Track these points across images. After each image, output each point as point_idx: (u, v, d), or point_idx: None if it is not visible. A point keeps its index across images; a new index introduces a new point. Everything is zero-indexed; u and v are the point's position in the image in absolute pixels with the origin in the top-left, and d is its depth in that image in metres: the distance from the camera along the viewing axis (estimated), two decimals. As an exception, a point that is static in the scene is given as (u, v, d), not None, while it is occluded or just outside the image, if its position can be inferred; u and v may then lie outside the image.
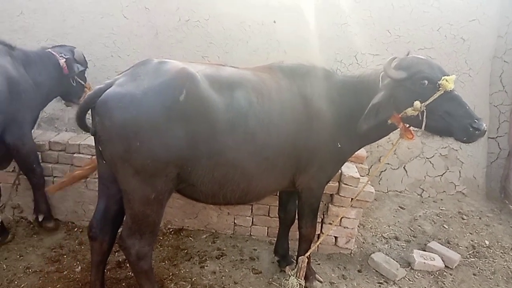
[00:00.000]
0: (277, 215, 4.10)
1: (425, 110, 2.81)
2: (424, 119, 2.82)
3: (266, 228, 4.53)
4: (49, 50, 4.43)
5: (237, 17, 5.76)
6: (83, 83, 4.69)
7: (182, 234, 4.50)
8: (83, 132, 2.99)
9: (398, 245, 4.72)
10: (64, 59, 4.40)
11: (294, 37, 5.74)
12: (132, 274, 3.61)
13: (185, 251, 4.20)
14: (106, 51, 5.88)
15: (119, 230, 3.10)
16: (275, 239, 4.20)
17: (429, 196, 6.11)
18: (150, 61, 2.75)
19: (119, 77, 2.66)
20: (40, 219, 4.24)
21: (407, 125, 3.05)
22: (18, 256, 3.93)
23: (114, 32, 5.84)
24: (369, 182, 3.97)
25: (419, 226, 5.19)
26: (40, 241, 4.20)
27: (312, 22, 5.69)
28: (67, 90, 4.57)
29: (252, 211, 4.48)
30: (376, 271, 4.16)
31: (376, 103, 2.90)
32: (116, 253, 3.93)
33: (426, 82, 2.81)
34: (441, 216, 5.51)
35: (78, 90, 4.66)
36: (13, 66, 3.83)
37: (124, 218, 2.94)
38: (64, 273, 3.72)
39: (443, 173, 6.15)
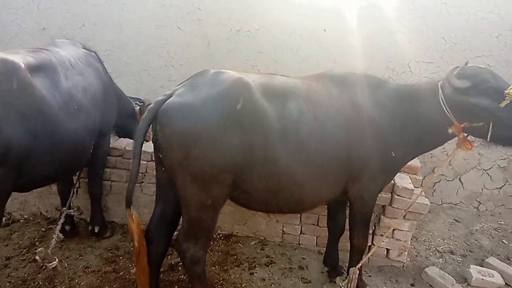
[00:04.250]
0: (326, 225, 4.06)
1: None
2: (490, 129, 2.76)
3: (315, 237, 4.50)
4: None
5: (287, 26, 5.81)
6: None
7: (231, 240, 4.57)
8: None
9: (453, 259, 4.52)
10: (138, 107, 4.90)
11: (344, 45, 5.70)
12: (185, 277, 3.72)
13: (235, 257, 4.25)
14: (160, 61, 6.13)
15: (174, 234, 3.21)
16: (324, 248, 4.16)
17: (486, 210, 5.81)
18: (207, 72, 2.86)
19: (178, 88, 2.78)
20: (96, 230, 4.44)
21: (466, 135, 2.98)
22: (78, 256, 4.15)
23: (168, 43, 6.08)
24: (423, 194, 3.87)
25: (475, 240, 4.95)
26: (98, 242, 4.40)
27: (363, 30, 5.62)
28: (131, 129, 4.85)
29: (301, 220, 4.47)
30: (430, 285, 4.01)
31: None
32: (169, 256, 4.05)
33: (491, 91, 2.75)
34: (499, 230, 5.23)
35: None
36: (105, 72, 4.26)
37: (181, 223, 3.04)
38: (120, 273, 3.88)
39: (502, 186, 5.83)
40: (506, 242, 4.94)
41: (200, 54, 6.04)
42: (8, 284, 3.64)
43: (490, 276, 4.07)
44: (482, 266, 4.30)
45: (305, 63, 5.79)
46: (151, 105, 2.75)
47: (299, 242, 4.56)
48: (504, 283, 4.06)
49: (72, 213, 4.36)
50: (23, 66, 2.99)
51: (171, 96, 2.70)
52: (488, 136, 2.79)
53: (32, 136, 2.93)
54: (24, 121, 2.86)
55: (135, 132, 2.77)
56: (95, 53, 4.25)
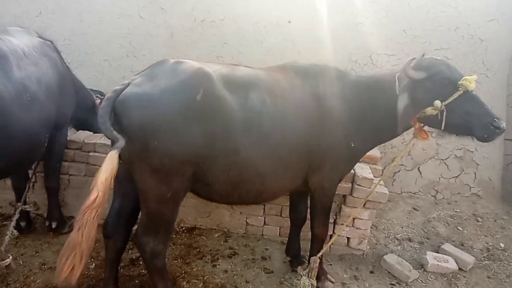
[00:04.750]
0: (288, 215, 4.10)
1: (445, 110, 2.85)
2: (444, 118, 2.86)
3: (278, 228, 4.54)
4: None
5: (252, 17, 5.79)
6: None
7: (194, 232, 4.54)
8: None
9: (411, 246, 4.69)
10: (100, 100, 4.69)
11: (308, 37, 5.74)
12: (146, 272, 3.66)
13: (198, 249, 4.23)
14: (122, 51, 5.96)
15: (133, 229, 3.15)
16: (287, 239, 4.21)
17: (443, 198, 6.06)
18: (166, 61, 2.79)
19: (136, 77, 2.70)
20: (53, 226, 4.30)
21: (422, 125, 3.09)
22: (34, 253, 4.00)
23: (130, 32, 5.92)
24: (382, 183, 3.98)
25: (432, 228, 5.15)
26: (55, 237, 4.26)
27: (327, 22, 5.68)
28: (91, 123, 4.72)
29: (264, 211, 4.50)
30: (389, 272, 4.14)
31: (407, 106, 2.91)
32: (130, 251, 3.98)
33: (446, 82, 2.85)
34: (455, 218, 5.46)
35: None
36: (62, 62, 4.05)
37: (140, 216, 2.99)
38: (79, 270, 3.78)
39: (458, 175, 6.08)
40: (460, 229, 5.16)
41: (163, 44, 5.92)
42: (-42, 284, 3.48)
43: (445, 262, 4.26)
44: (438, 252, 4.48)
45: (270, 55, 5.79)
46: (108, 94, 2.65)
47: (262, 233, 4.59)
48: (457, 268, 4.26)
49: (28, 209, 4.19)
50: None
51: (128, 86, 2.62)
52: (442, 125, 2.89)
53: None
54: None
55: (99, 123, 2.52)
56: (51, 42, 4.04)
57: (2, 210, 4.64)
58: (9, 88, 3.04)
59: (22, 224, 4.19)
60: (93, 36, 5.95)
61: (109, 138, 2.55)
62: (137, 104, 2.52)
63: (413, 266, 4.15)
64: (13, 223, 3.77)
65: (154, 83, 2.59)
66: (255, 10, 5.78)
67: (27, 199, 4.15)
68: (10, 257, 3.49)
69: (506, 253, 4.67)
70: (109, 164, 2.43)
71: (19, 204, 3.98)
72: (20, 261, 3.82)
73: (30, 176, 4.18)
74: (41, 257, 3.93)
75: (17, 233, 3.98)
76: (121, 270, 3.68)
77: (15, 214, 3.88)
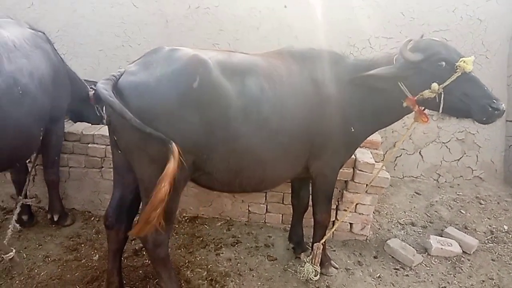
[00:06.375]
0: (290, 202, 4.09)
1: (442, 92, 2.79)
2: (442, 101, 2.80)
3: (280, 215, 4.52)
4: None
5: (247, 2, 5.71)
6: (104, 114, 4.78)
7: (197, 222, 4.53)
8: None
9: (414, 231, 4.67)
10: (93, 91, 4.53)
11: (305, 21, 5.65)
12: (149, 262, 3.65)
13: (201, 238, 4.23)
14: (117, 40, 5.89)
15: (135, 219, 3.13)
16: (290, 226, 4.20)
17: (445, 181, 6.04)
18: (161, 49, 2.73)
19: (131, 66, 2.65)
20: (55, 219, 4.29)
21: (422, 108, 3.04)
22: (37, 245, 4.01)
23: (124, 22, 5.84)
24: (384, 168, 3.94)
25: (435, 211, 5.13)
26: (58, 230, 4.26)
27: (324, 5, 5.59)
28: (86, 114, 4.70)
29: (266, 199, 4.47)
30: (392, 257, 4.13)
31: (381, 74, 2.94)
32: (133, 241, 3.98)
33: (443, 63, 2.79)
34: (458, 201, 5.44)
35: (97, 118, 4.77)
36: (55, 53, 3.98)
37: (141, 206, 2.96)
38: (82, 261, 3.78)
39: (460, 158, 6.05)
40: (463, 212, 5.15)
41: (158, 32, 5.84)
42: (-38, 278, 3.48)
43: (449, 245, 4.25)
44: (441, 236, 4.47)
45: (267, 41, 5.71)
46: (106, 77, 2.52)
47: (265, 221, 4.57)
48: (461, 251, 4.25)
49: (29, 202, 4.18)
50: None
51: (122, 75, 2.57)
52: (440, 108, 2.83)
53: None
54: None
55: (102, 95, 2.37)
56: (43, 33, 3.96)
57: (3, 204, 4.64)
58: None
59: (24, 217, 4.20)
60: (87, 26, 5.87)
61: (118, 113, 2.39)
62: (134, 93, 2.47)
63: (416, 251, 4.14)
64: (14, 217, 3.76)
65: (150, 72, 2.54)
66: (250, -4, 5.69)
67: (28, 193, 4.14)
68: (14, 251, 3.47)
69: (510, 235, 4.65)
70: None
71: (20, 197, 3.96)
72: (24, 254, 3.84)
73: (29, 169, 4.16)
74: (44, 249, 3.94)
75: (20, 227, 3.98)
76: (125, 260, 3.69)
77: (16, 208, 3.87)
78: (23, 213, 4.15)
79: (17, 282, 3.49)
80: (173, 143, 2.40)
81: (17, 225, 3.84)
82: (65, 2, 5.80)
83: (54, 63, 3.83)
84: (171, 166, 2.38)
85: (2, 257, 3.46)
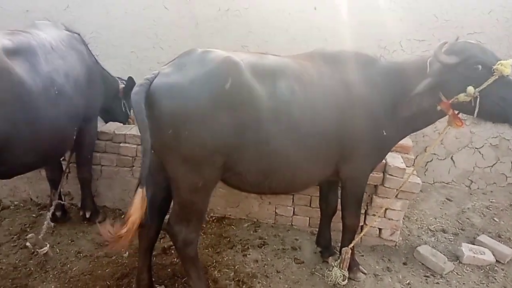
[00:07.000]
0: (318, 206, 4.06)
1: (478, 96, 2.72)
2: (477, 105, 2.72)
3: (308, 218, 4.50)
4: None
5: (276, 5, 5.69)
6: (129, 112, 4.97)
7: (224, 222, 4.56)
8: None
9: (445, 238, 4.55)
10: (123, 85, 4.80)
11: (335, 23, 5.59)
12: (178, 260, 3.71)
13: (228, 239, 4.25)
14: (148, 42, 5.99)
15: (166, 218, 3.18)
16: (317, 229, 4.17)
17: (478, 188, 5.86)
18: (194, 51, 2.77)
19: (165, 68, 2.70)
20: (87, 216, 4.40)
21: (457, 112, 2.96)
22: (69, 241, 4.12)
23: (155, 24, 5.93)
24: (414, 173, 3.86)
25: (467, 218, 4.99)
26: (90, 227, 4.37)
27: (354, 7, 5.52)
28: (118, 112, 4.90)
29: (293, 201, 4.46)
30: (422, 264, 4.04)
31: (421, 91, 2.83)
32: (162, 240, 4.04)
33: (480, 67, 2.72)
34: (491, 208, 5.28)
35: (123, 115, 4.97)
36: (89, 54, 4.13)
37: (172, 206, 3.01)
38: (113, 258, 3.86)
39: (494, 164, 5.86)
40: (497, 220, 4.99)
41: (188, 34, 5.90)
42: (-1, 271, 3.62)
43: (481, 254, 4.12)
44: (473, 244, 4.34)
45: (296, 43, 5.69)
46: (140, 82, 2.62)
47: (291, 223, 4.56)
48: (495, 260, 4.12)
49: (62, 202, 4.31)
50: None
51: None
52: (475, 113, 2.75)
53: (10, 123, 2.81)
54: (1, 108, 2.74)
55: (134, 108, 2.53)
56: (79, 34, 4.10)
57: (38, 200, 4.79)
58: (37, 83, 3.08)
59: (58, 213, 4.33)
60: (119, 28, 6.00)
61: (138, 124, 2.52)
62: (168, 94, 2.52)
63: (448, 258, 4.03)
64: (49, 214, 3.87)
65: (183, 73, 2.59)
66: (279, -2, 5.69)
67: (61, 190, 4.26)
68: (48, 245, 3.60)
69: (546, 245, 4.48)
70: (138, 202, 2.63)
71: (55, 197, 4.08)
72: (57, 249, 3.96)
73: (64, 167, 4.28)
74: (76, 245, 4.05)
75: (54, 225, 4.11)
76: (154, 259, 3.73)
77: (52, 207, 3.99)
78: (57, 210, 4.28)
79: (50, 276, 3.60)
80: (144, 187, 2.59)
81: (51, 223, 3.96)
82: (99, 5, 5.95)
83: (88, 64, 3.95)
84: (133, 218, 2.62)
85: (37, 251, 3.58)
